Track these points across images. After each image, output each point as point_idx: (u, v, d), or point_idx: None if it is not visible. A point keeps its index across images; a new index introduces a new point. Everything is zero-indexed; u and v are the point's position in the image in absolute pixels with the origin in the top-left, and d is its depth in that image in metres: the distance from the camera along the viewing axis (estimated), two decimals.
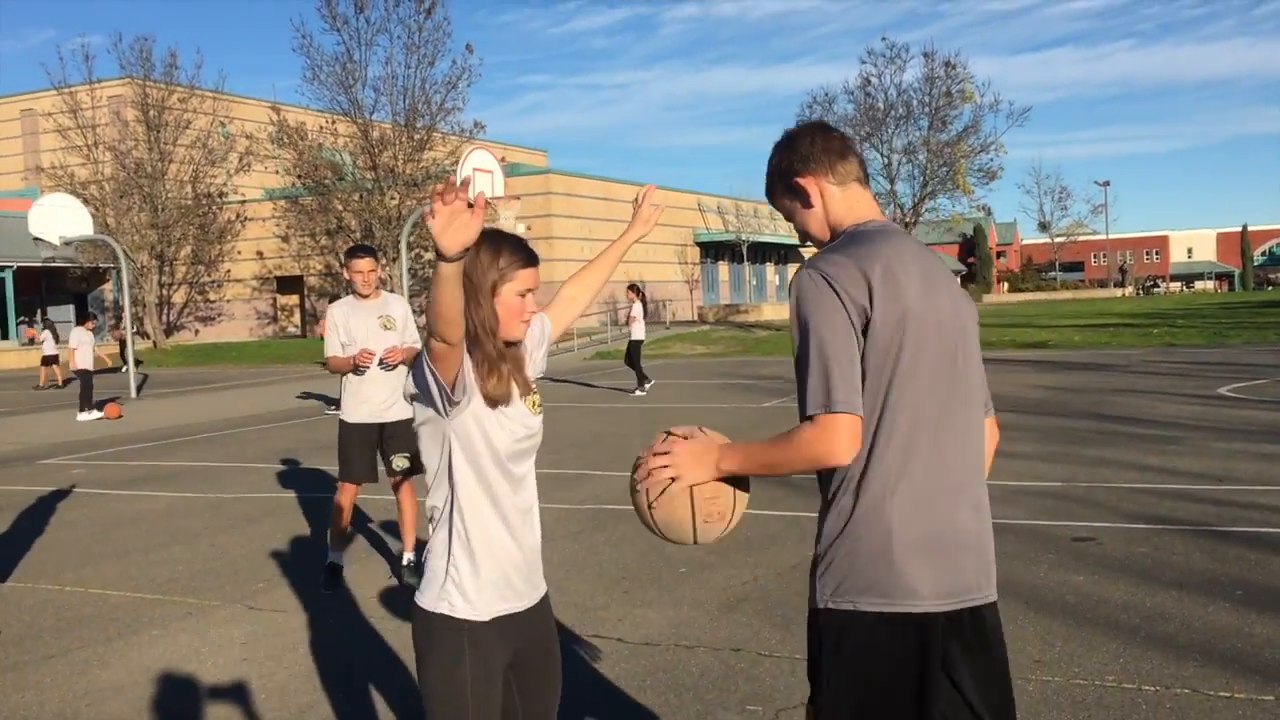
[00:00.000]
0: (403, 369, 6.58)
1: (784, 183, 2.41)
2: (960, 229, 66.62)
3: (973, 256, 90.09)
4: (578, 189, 45.34)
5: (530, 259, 2.56)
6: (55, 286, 45.17)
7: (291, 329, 46.64)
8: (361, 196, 36.92)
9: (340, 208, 37.81)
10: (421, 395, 2.44)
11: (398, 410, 6.55)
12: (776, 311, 48.52)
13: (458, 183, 2.07)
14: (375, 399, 6.54)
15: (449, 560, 2.48)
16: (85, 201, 37.70)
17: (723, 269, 56.58)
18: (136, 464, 12.46)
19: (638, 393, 18.23)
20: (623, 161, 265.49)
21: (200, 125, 41.14)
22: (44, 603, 6.51)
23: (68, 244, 23.55)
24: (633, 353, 18.69)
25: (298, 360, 32.93)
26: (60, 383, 27.06)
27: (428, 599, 2.49)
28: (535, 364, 2.77)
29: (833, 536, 2.21)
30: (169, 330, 44.86)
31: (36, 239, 22.97)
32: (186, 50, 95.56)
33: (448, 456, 2.47)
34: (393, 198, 36.65)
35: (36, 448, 14.43)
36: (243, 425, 16.40)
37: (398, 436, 6.56)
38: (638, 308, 18.93)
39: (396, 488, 6.73)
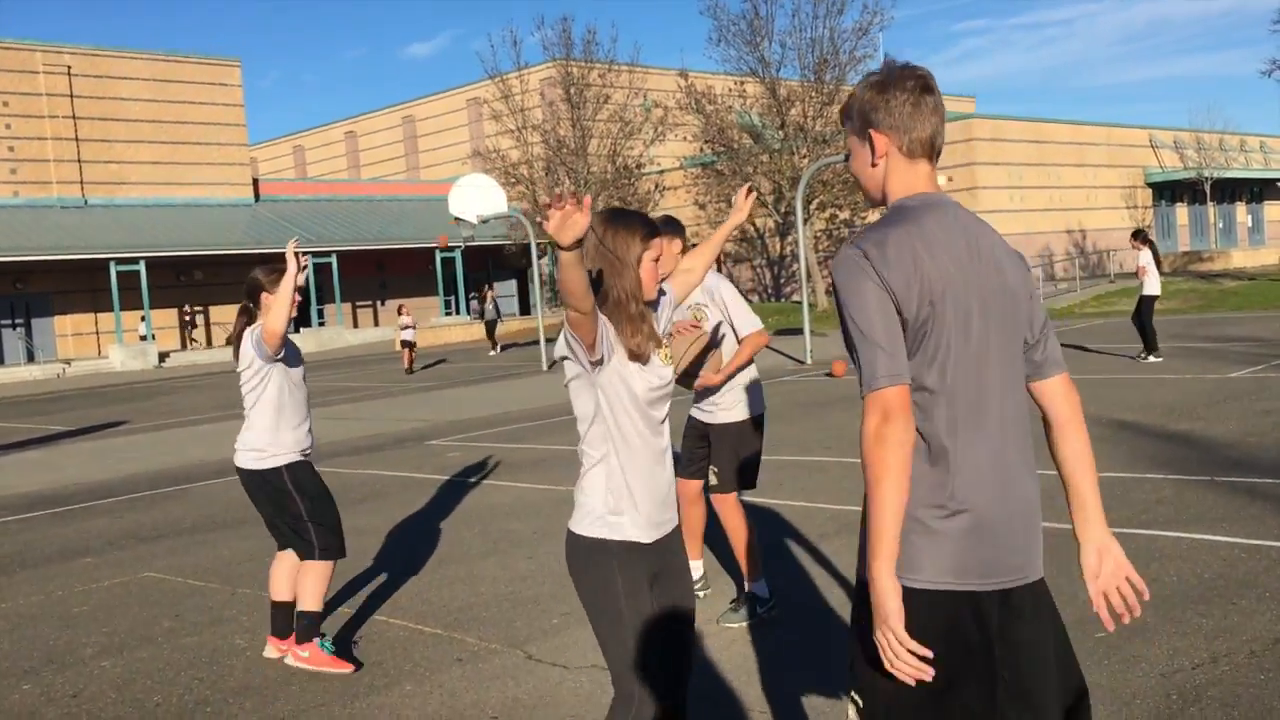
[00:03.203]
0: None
1: (859, 123, 2.37)
2: None
3: None
4: (1004, 133, 41.50)
5: (655, 231, 3.05)
6: (500, 264, 48.50)
7: None
8: (771, 157, 35.89)
9: (751, 170, 37.04)
10: (571, 357, 2.95)
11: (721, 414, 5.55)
12: (1250, 257, 41.86)
13: None
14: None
15: (606, 493, 2.96)
16: (516, 181, 39.90)
17: (1180, 211, 49.88)
18: (512, 446, 11.99)
19: (1150, 359, 15.50)
20: (1060, 104, 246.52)
21: (618, 99, 42.08)
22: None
23: (484, 222, 24.39)
24: (1143, 310, 15.74)
25: None
26: (408, 367, 25.92)
27: (584, 527, 2.99)
28: (662, 324, 3.22)
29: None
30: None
31: (457, 219, 23.96)
32: (603, 26, 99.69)
33: (600, 406, 2.95)
34: (802, 156, 35.29)
35: (438, 425, 14.51)
36: None
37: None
38: (1146, 256, 15.82)
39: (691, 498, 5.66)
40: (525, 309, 49.30)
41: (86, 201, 40.48)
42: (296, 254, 4.90)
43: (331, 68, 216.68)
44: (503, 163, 40.42)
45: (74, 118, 40.37)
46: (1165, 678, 4.22)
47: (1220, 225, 51.64)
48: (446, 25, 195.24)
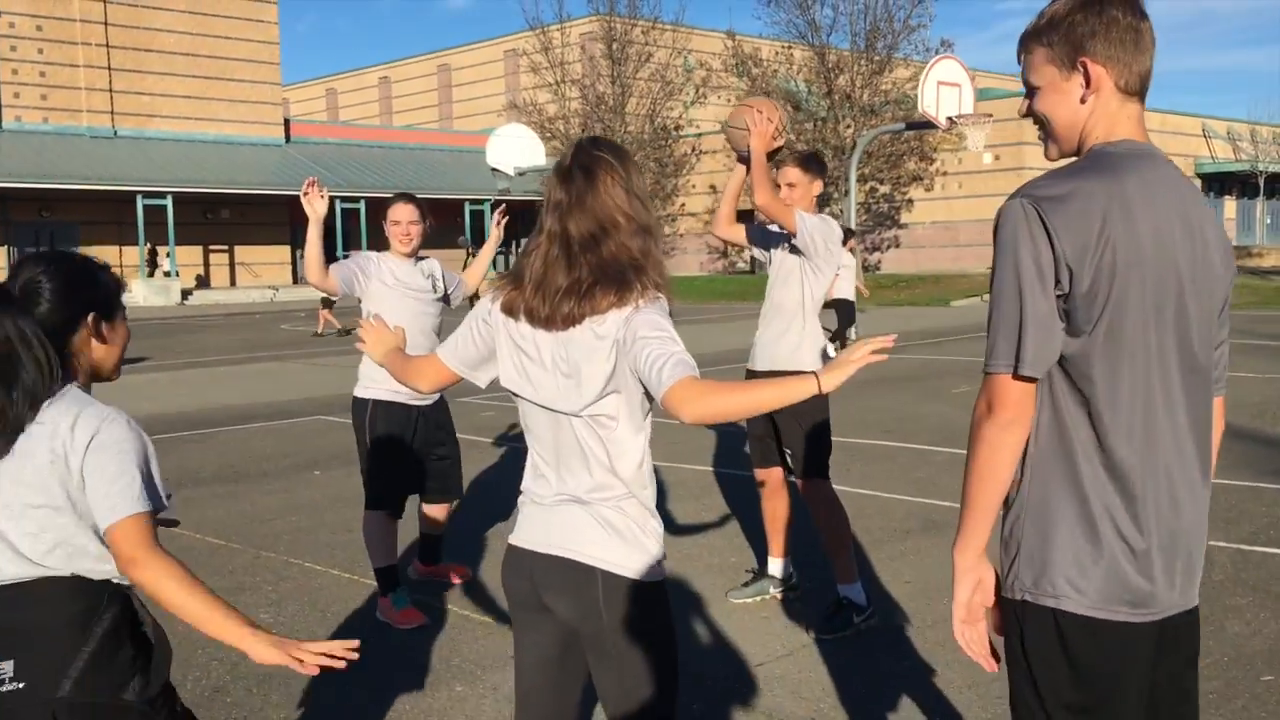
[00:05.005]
0: None
1: (1065, 47, 1.95)
2: None
3: None
4: None
5: None
6: (530, 220, 47.71)
7: (741, 265, 46.05)
8: (815, 125, 34.97)
9: (793, 137, 36.12)
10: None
11: None
12: None
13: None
14: None
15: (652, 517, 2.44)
16: (551, 136, 39.07)
17: (1228, 205, 48.62)
18: None
19: None
20: None
21: (659, 58, 41.15)
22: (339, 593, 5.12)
23: (521, 174, 23.69)
24: None
25: (744, 298, 31.88)
26: (339, 329, 21.94)
27: (651, 570, 2.40)
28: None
29: (1013, 516, 2.00)
30: None
31: (494, 169, 23.28)
32: None
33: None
34: (848, 125, 34.35)
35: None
36: None
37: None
38: None
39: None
40: None
41: (116, 132, 39.89)
42: (310, 194, 4.80)
43: (368, 14, 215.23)
44: (539, 116, 39.62)
45: (107, 46, 39.69)
46: None
47: (1269, 220, 50.41)
48: None
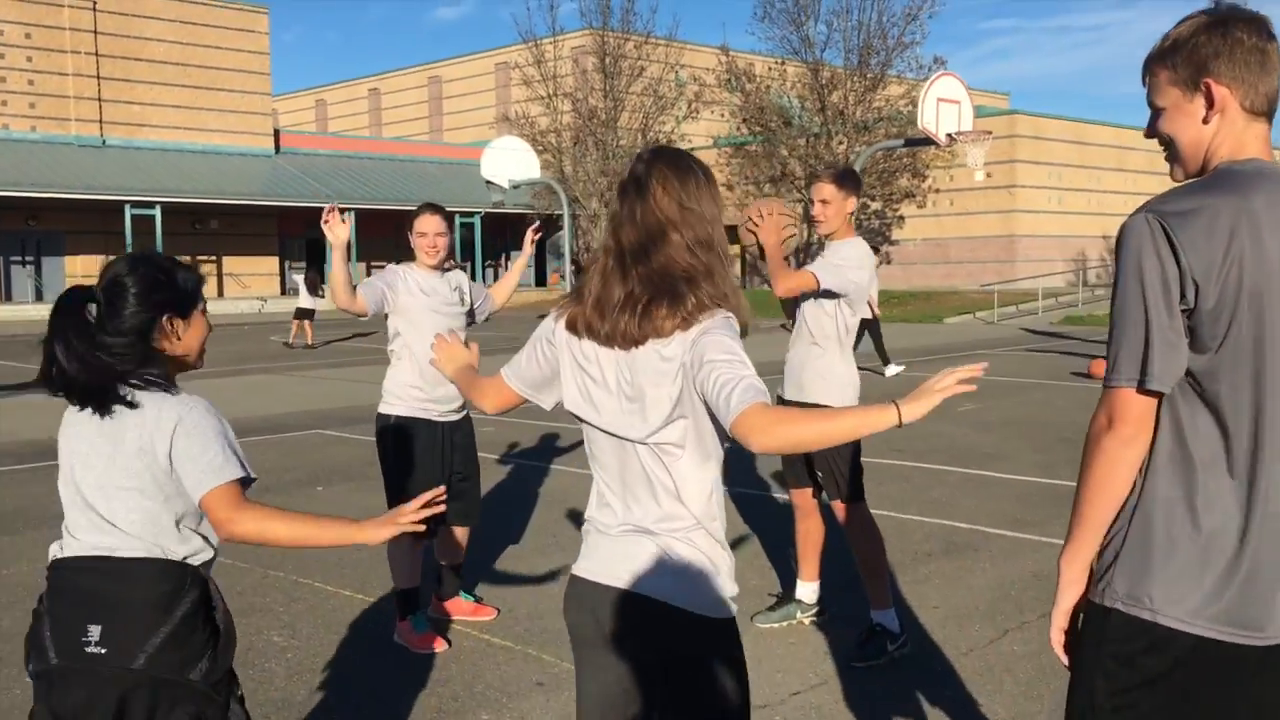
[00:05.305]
0: None
1: (1189, 69, 1.96)
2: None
3: None
4: (1045, 131, 40.49)
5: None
6: (519, 232, 47.65)
7: (732, 279, 46.00)
8: (808, 141, 34.99)
9: (785, 153, 36.15)
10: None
11: None
12: None
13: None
14: None
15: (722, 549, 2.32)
16: (543, 149, 38.97)
17: None
18: (556, 425, 11.20)
19: None
20: (1096, 109, 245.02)
21: (652, 72, 41.18)
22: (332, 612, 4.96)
23: (515, 187, 23.57)
24: None
25: None
26: (310, 342, 22.11)
27: (726, 607, 2.29)
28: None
29: (1118, 523, 1.97)
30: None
31: (488, 182, 23.16)
32: None
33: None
34: (840, 142, 34.38)
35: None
36: None
37: None
38: None
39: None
40: (540, 280, 48.35)
41: (105, 141, 39.62)
42: (331, 220, 4.55)
43: (357, 25, 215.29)
44: (531, 129, 39.52)
45: (96, 55, 39.45)
46: None
47: None
48: None
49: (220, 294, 41.53)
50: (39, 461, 9.40)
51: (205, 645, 2.30)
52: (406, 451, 4.67)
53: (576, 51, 43.90)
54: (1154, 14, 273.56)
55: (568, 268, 25.26)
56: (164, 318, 2.40)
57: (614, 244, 2.34)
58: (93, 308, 2.37)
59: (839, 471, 4.58)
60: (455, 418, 4.81)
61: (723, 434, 2.26)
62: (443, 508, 2.40)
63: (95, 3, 39.38)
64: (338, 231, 4.50)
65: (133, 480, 2.31)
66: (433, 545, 5.05)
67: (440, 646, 4.67)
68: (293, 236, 43.27)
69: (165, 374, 2.40)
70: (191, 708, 2.26)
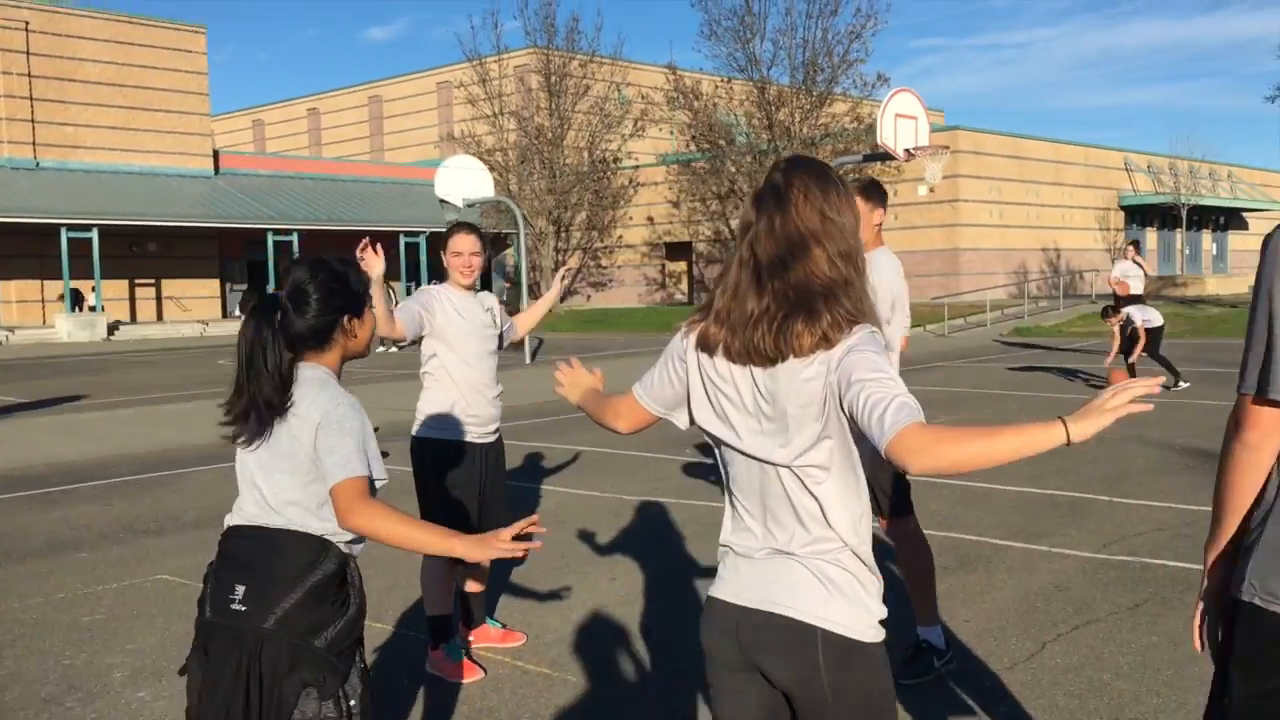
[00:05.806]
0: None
1: None
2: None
3: None
4: (984, 146, 41.16)
5: None
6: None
7: (679, 296, 46.10)
8: (755, 157, 35.20)
9: (733, 170, 36.34)
10: None
11: None
12: (1223, 285, 41.84)
13: None
14: None
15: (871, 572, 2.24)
16: (490, 168, 38.75)
17: (1150, 236, 50.04)
18: (541, 445, 11.05)
19: (1181, 385, 14.48)
20: (1023, 124, 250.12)
21: (598, 91, 41.18)
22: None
23: (470, 206, 23.36)
24: (1156, 343, 14.55)
25: None
26: None
27: (875, 630, 2.20)
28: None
29: (1258, 518, 2.03)
30: (563, 296, 45.62)
31: (442, 201, 22.91)
32: (587, 14, 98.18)
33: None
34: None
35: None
36: None
37: None
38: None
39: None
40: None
41: (39, 164, 38.61)
42: (367, 255, 4.26)
43: (290, 45, 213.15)
44: (477, 148, 39.28)
45: (29, 76, 38.47)
46: None
47: (1187, 252, 51.95)
48: (406, 10, 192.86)
49: (160, 318, 40.68)
50: (7, 493, 9.04)
51: (333, 616, 2.50)
52: (444, 474, 4.53)
53: (521, 70, 43.79)
54: (1078, 31, 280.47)
55: (525, 287, 25.06)
56: (344, 318, 2.64)
57: (749, 256, 2.25)
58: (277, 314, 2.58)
59: (883, 486, 4.53)
60: (491, 439, 4.69)
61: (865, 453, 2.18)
62: (539, 544, 2.53)
63: (28, 23, 38.45)
64: (375, 266, 4.33)
65: (285, 463, 2.54)
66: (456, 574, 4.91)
67: (476, 675, 4.54)
68: (234, 258, 42.54)
69: (336, 366, 2.66)
70: (312, 671, 2.44)
